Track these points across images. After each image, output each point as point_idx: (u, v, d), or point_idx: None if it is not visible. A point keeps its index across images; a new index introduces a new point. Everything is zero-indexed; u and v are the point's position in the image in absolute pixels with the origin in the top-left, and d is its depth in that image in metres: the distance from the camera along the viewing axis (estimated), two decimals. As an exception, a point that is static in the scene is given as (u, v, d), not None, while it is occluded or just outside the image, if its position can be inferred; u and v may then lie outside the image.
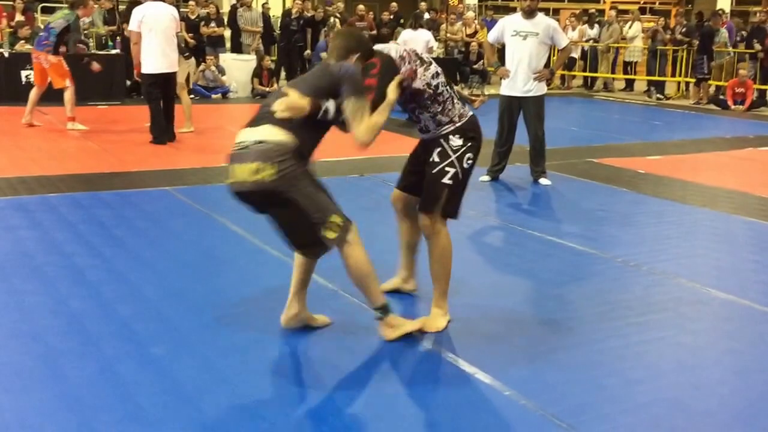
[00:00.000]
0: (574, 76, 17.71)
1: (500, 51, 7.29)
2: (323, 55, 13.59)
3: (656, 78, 15.99)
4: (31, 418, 2.77)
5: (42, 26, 9.81)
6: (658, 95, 15.70)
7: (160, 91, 8.29)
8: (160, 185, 6.37)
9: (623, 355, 3.51)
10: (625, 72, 16.87)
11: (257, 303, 3.95)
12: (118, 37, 12.98)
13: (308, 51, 14.72)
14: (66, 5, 9.35)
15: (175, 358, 3.26)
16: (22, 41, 11.46)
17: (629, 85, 17.16)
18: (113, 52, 12.63)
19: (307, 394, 3.07)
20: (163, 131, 8.34)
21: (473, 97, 12.42)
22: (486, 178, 7.06)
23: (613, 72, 17.05)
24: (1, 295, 3.90)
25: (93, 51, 12.31)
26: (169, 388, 3.02)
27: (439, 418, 2.89)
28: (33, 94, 9.06)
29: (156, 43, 8.14)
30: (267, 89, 13.43)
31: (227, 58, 13.61)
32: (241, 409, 2.89)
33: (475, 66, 15.31)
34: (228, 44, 14.53)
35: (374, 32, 14.96)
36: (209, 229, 5.22)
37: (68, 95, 8.93)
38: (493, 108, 7.49)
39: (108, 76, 11.67)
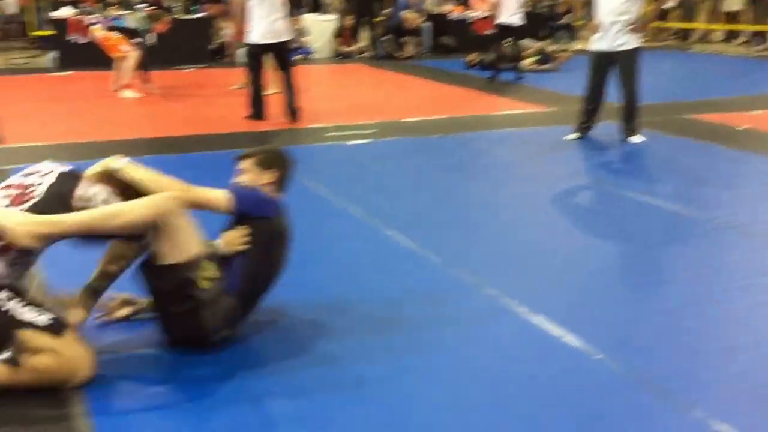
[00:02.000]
0: (668, 28, 16.95)
1: (590, 4, 6.98)
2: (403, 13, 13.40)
3: (758, 28, 15.11)
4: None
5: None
6: (760, 46, 14.85)
7: (261, 63, 7.56)
8: (245, 146, 6.39)
9: (723, 320, 3.32)
10: (725, 22, 16.02)
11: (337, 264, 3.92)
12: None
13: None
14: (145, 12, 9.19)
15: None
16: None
17: (729, 36, 16.29)
18: (198, 15, 12.78)
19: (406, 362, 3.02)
20: (259, 107, 7.62)
21: (559, 54, 12.11)
22: (574, 135, 6.82)
23: (711, 22, 16.22)
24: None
25: (179, 15, 12.47)
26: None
27: (527, 382, 2.80)
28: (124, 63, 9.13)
29: (263, 11, 7.37)
30: (348, 49, 13.36)
31: (308, 19, 13.59)
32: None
33: (562, 21, 14.82)
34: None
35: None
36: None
37: (126, 63, 8.89)
38: (581, 64, 7.22)
39: (193, 39, 11.83)
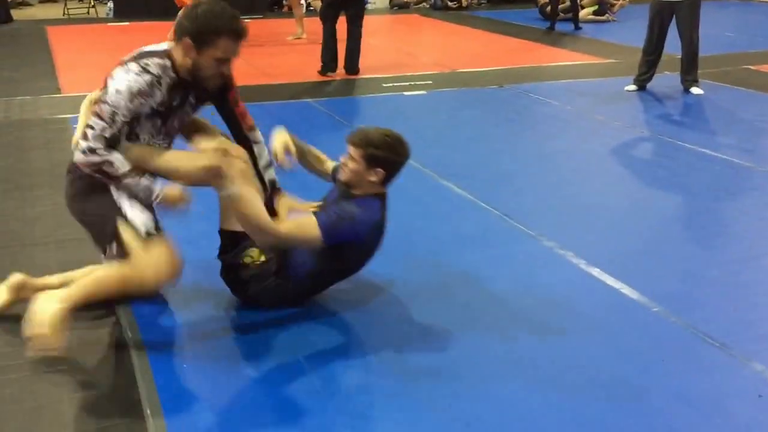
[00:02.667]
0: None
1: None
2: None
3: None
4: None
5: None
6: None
7: (337, 14, 7.31)
8: (302, 97, 6.47)
9: (783, 273, 3.31)
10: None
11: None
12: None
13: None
14: None
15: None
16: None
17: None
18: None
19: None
20: (331, 59, 7.38)
21: (616, 2, 11.81)
22: (632, 87, 6.73)
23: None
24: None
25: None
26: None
27: (584, 334, 2.85)
28: None
29: None
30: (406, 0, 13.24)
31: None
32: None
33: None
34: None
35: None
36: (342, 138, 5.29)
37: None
38: (640, 15, 7.07)
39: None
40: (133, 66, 2.65)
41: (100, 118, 2.58)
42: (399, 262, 3.32)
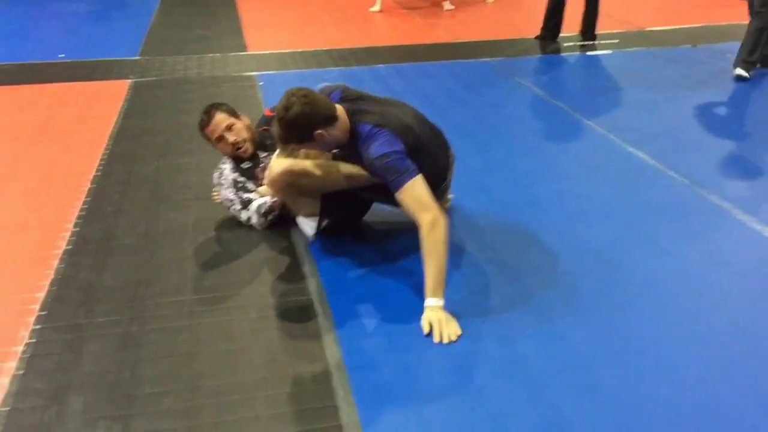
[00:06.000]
0: None
1: None
2: None
3: None
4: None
5: None
6: None
7: None
8: (481, 56, 6.35)
9: None
10: None
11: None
12: None
13: None
14: None
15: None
16: None
17: None
18: None
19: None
20: (556, 26, 6.85)
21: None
22: None
23: None
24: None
25: None
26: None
27: (692, 255, 2.61)
28: None
29: None
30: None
31: None
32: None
33: None
34: None
35: None
36: (523, 99, 5.14)
37: None
38: None
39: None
40: None
41: None
42: (574, 230, 3.19)
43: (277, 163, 2.97)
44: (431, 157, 2.82)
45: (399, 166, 2.63)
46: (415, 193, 2.62)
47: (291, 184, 2.97)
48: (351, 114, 2.76)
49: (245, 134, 3.37)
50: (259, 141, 3.43)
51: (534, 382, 2.27)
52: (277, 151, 3.07)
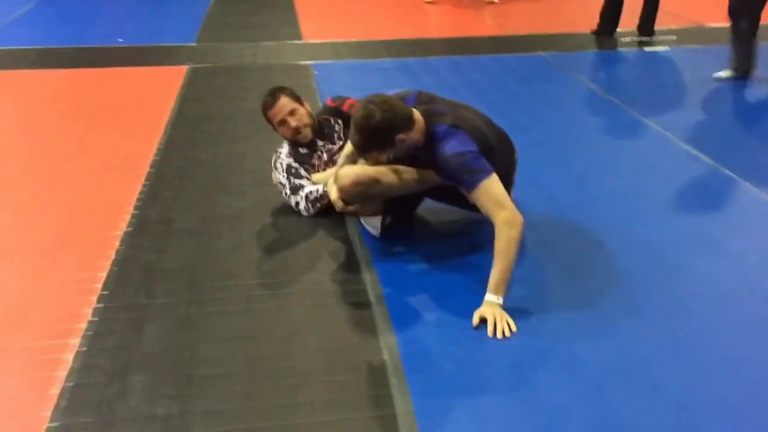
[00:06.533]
0: None
1: None
2: None
3: None
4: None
5: None
6: None
7: None
8: (535, 50, 6.29)
9: None
10: None
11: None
12: None
13: None
14: None
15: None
16: None
17: None
18: None
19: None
20: (613, 21, 6.70)
21: None
22: None
23: None
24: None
25: None
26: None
27: (752, 256, 2.57)
28: None
29: None
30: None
31: None
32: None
33: None
34: None
35: None
36: (579, 95, 5.09)
37: None
38: None
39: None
40: None
41: None
42: (629, 232, 3.16)
43: (346, 173, 2.97)
44: (498, 161, 2.81)
45: (475, 164, 2.64)
46: (492, 191, 2.63)
47: (361, 192, 2.96)
48: (426, 116, 2.77)
49: (307, 120, 3.41)
50: (318, 128, 3.47)
51: (590, 381, 2.26)
52: (340, 160, 3.11)
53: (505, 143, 3.05)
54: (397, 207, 3.11)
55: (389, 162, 2.91)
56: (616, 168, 3.88)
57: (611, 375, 2.28)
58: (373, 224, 3.12)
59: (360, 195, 2.98)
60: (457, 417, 2.13)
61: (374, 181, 2.92)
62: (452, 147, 2.67)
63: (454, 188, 2.78)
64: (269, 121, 3.45)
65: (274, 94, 3.43)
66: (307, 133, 3.41)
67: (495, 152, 2.84)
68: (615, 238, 3.10)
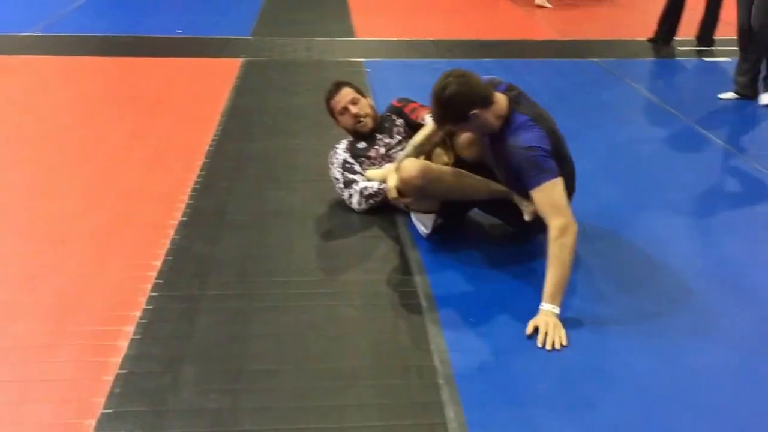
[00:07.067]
0: None
1: None
2: None
3: None
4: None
5: None
6: None
7: None
8: (589, 56, 6.21)
9: None
10: None
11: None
12: None
13: None
14: None
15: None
16: None
17: None
18: None
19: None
20: (666, 31, 6.58)
21: None
22: None
23: None
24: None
25: None
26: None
27: None
28: None
29: None
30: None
31: None
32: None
33: None
34: None
35: None
36: (634, 103, 5.01)
37: None
38: None
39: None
40: None
41: None
42: (681, 244, 3.09)
43: (412, 165, 2.96)
44: (565, 171, 2.76)
45: (543, 163, 2.62)
46: (553, 194, 2.60)
47: (422, 188, 2.95)
48: (511, 102, 2.76)
49: (368, 110, 3.49)
50: (379, 122, 3.51)
51: (645, 399, 2.22)
52: (408, 147, 3.10)
53: (567, 151, 3.01)
54: (449, 209, 3.10)
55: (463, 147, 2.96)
56: (674, 180, 3.81)
57: (667, 394, 2.24)
58: (424, 222, 3.10)
59: (418, 190, 2.96)
60: (507, 429, 2.09)
61: (437, 180, 2.91)
62: (526, 139, 2.65)
63: (510, 204, 2.75)
64: (331, 111, 3.53)
65: (338, 84, 3.56)
66: (368, 122, 3.47)
67: (565, 162, 2.81)
68: (673, 252, 3.04)
